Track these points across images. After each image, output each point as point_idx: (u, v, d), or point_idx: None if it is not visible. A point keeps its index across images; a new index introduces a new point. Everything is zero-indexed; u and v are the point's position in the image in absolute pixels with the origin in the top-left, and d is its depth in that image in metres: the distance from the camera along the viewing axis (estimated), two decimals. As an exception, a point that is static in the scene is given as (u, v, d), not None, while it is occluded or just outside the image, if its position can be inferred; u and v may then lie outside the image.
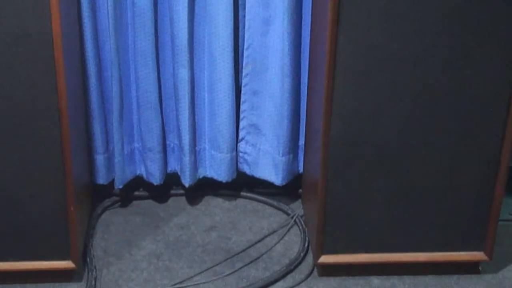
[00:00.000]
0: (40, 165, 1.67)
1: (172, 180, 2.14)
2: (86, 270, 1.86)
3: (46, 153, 1.66)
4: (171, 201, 2.16)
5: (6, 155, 1.65)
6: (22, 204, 1.71)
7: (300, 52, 1.99)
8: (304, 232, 2.01)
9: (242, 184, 2.18)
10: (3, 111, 1.61)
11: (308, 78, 1.96)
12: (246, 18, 1.95)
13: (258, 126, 2.08)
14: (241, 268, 1.90)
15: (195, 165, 2.09)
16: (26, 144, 1.64)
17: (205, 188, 2.17)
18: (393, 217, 1.81)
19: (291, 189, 2.16)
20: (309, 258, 1.93)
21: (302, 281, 1.87)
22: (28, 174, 1.68)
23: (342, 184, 1.77)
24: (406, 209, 1.80)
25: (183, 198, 2.17)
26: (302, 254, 1.94)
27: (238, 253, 1.95)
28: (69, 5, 1.72)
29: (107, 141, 2.04)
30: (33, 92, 1.60)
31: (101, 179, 2.06)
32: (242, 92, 2.05)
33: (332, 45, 1.62)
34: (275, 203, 2.15)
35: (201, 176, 2.13)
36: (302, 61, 2.00)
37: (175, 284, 1.84)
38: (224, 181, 2.11)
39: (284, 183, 2.10)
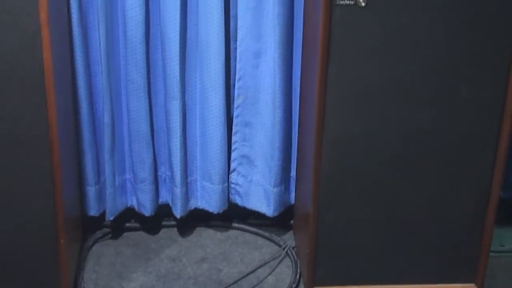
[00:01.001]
0: (31, 196, 1.67)
1: (163, 211, 2.13)
2: (76, 302, 1.85)
3: (37, 184, 1.66)
4: (163, 232, 2.16)
5: (-2, 187, 1.65)
6: (12, 236, 1.70)
7: (291, 84, 2.00)
8: (296, 263, 2.01)
9: (234, 215, 2.18)
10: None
11: (299, 109, 1.97)
12: (238, 50, 1.96)
13: (249, 157, 2.09)
14: (232, 300, 1.90)
15: (186, 196, 2.09)
16: (17, 174, 1.64)
17: (196, 219, 2.16)
18: (385, 248, 1.81)
19: (282, 220, 2.16)
20: (301, 290, 1.93)
21: (294, 313, 1.86)
22: (18, 205, 1.67)
23: (333, 216, 1.77)
24: (397, 240, 1.80)
25: (175, 229, 2.16)
26: (293, 286, 1.93)
27: (230, 285, 1.94)
28: (61, 37, 1.73)
29: (99, 173, 2.04)
30: (24, 123, 1.60)
31: (92, 211, 2.06)
32: (234, 123, 2.05)
33: (323, 77, 1.63)
34: (266, 234, 2.14)
35: (192, 207, 2.12)
36: (293, 93, 2.01)
37: (166, 317, 1.83)
38: (215, 212, 2.10)
39: (275, 214, 2.10)
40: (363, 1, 1.57)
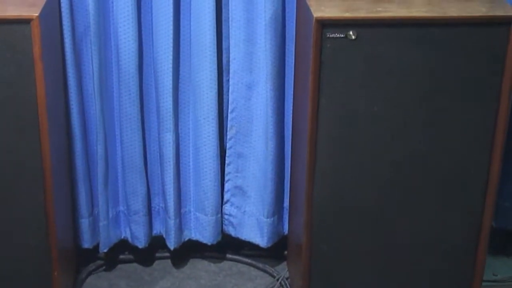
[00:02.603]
0: (24, 228, 1.67)
1: (157, 243, 2.13)
2: (69, 336, 1.84)
3: (30, 217, 1.66)
4: (156, 264, 2.16)
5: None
6: (6, 268, 1.70)
7: (283, 115, 2.02)
8: (290, 294, 2.01)
9: (228, 246, 2.18)
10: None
11: (292, 140, 1.99)
12: (230, 82, 1.98)
13: (243, 188, 2.10)
14: (226, 332, 1.89)
15: (180, 228, 2.09)
16: (9, 207, 1.65)
17: (190, 250, 2.16)
18: (378, 278, 1.81)
19: (276, 251, 2.16)
20: (295, 321, 1.92)
21: None
22: (11, 237, 1.67)
23: (327, 246, 1.78)
24: (391, 270, 1.80)
25: (169, 261, 2.16)
26: (287, 317, 1.93)
27: (223, 317, 1.94)
28: (55, 70, 1.75)
29: (92, 205, 2.05)
30: (17, 156, 1.62)
31: (86, 243, 2.06)
32: (227, 154, 2.07)
33: (314, 111, 1.65)
34: (260, 265, 2.14)
35: (186, 239, 2.12)
36: (285, 124, 2.03)
37: None
38: (209, 243, 2.11)
39: (269, 245, 2.10)
40: (353, 34, 1.59)
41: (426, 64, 1.62)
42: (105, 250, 2.06)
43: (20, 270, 1.71)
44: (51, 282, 1.72)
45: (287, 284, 2.05)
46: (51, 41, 1.69)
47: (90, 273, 2.09)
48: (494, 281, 2.07)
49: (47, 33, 1.61)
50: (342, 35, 1.60)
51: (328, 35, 1.59)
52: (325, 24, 1.58)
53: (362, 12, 1.60)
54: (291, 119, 1.99)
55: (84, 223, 2.03)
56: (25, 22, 1.51)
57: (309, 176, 1.71)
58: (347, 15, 1.59)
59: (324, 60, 1.61)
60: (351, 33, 1.59)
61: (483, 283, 1.83)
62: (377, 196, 1.73)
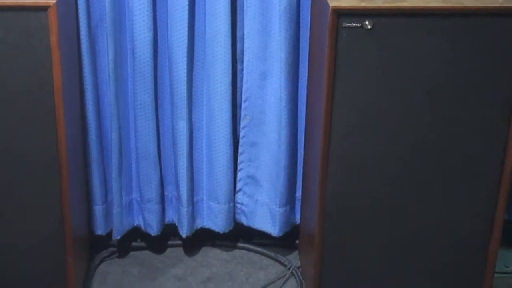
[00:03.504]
0: (39, 216, 1.68)
1: (169, 231, 2.14)
2: (83, 321, 1.86)
3: (45, 204, 1.68)
4: (169, 252, 2.17)
5: (6, 205, 1.67)
6: (20, 255, 1.71)
7: (297, 105, 2.02)
8: (301, 284, 2.01)
9: (239, 235, 2.19)
10: (4, 162, 1.63)
11: (305, 130, 1.99)
12: (244, 72, 1.98)
13: (255, 177, 2.10)
14: (238, 320, 1.90)
15: (192, 216, 2.10)
16: (25, 193, 1.66)
17: (202, 238, 2.17)
18: (390, 269, 1.81)
19: (288, 240, 2.16)
20: (306, 310, 1.93)
21: (299, 333, 1.86)
22: (26, 224, 1.69)
23: (339, 236, 1.78)
24: (402, 261, 1.81)
25: (181, 249, 2.17)
26: (299, 306, 1.94)
27: (235, 305, 1.95)
28: (70, 59, 1.75)
29: (106, 192, 2.06)
30: (33, 142, 1.62)
31: (99, 230, 2.07)
32: (240, 144, 2.07)
33: (329, 98, 1.65)
34: (272, 254, 2.15)
35: (198, 227, 2.13)
36: (298, 113, 2.03)
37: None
38: (221, 232, 2.12)
39: (281, 234, 2.11)
40: (369, 24, 1.59)
41: (441, 54, 1.62)
42: (118, 237, 2.07)
43: (34, 256, 1.72)
44: (64, 268, 1.74)
45: (299, 273, 2.06)
46: (67, 29, 1.70)
47: (103, 260, 2.10)
48: (506, 272, 2.07)
49: (64, 20, 1.62)
50: (358, 25, 1.59)
51: (344, 25, 1.59)
52: (341, 14, 1.58)
53: (378, 1, 1.60)
54: (304, 109, 1.99)
55: (98, 210, 2.05)
56: (42, 9, 1.52)
57: (322, 165, 1.71)
58: (363, 4, 1.59)
59: (339, 49, 1.61)
60: (367, 22, 1.59)
61: (495, 275, 1.83)
62: (390, 187, 1.74)
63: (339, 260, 1.81)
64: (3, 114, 1.59)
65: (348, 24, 1.59)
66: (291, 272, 2.07)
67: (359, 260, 1.81)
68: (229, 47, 1.91)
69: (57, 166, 1.64)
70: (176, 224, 2.12)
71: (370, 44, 1.61)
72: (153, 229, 2.09)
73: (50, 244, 1.71)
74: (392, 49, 1.62)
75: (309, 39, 1.90)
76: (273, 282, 2.05)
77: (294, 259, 2.12)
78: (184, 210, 2.06)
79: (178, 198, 2.07)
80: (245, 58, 1.97)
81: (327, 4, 1.59)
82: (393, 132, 1.69)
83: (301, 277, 2.04)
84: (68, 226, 1.70)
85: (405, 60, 1.63)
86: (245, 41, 1.95)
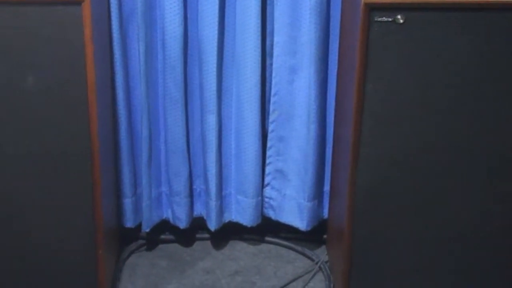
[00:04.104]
0: (71, 208, 1.70)
1: (197, 224, 2.16)
2: (113, 313, 1.87)
3: (78, 196, 1.69)
4: (196, 245, 2.18)
5: (39, 199, 1.68)
6: (53, 246, 1.73)
7: (325, 99, 2.02)
8: (329, 278, 2.02)
9: (267, 229, 2.19)
10: (37, 155, 1.65)
11: (334, 124, 1.99)
12: (273, 66, 1.99)
13: (283, 171, 2.10)
14: (266, 313, 1.91)
15: (221, 210, 2.11)
16: (59, 186, 1.68)
17: (230, 232, 2.18)
18: (422, 264, 1.80)
19: (315, 235, 2.17)
20: (334, 304, 1.94)
21: (328, 327, 1.87)
22: (58, 217, 1.70)
23: (369, 231, 1.78)
24: (435, 256, 1.79)
25: (208, 242, 2.18)
26: (327, 300, 1.95)
27: (263, 298, 1.96)
28: (103, 51, 1.77)
29: (135, 185, 2.07)
30: (66, 137, 1.64)
31: (129, 223, 2.09)
32: (268, 138, 2.07)
33: (360, 93, 1.64)
34: (299, 248, 2.15)
35: (226, 221, 2.14)
36: (327, 107, 2.03)
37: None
38: (249, 225, 2.12)
39: (309, 229, 2.11)
40: (402, 18, 1.58)
41: (474, 49, 1.61)
42: (147, 230, 2.08)
43: (66, 248, 1.73)
44: (96, 261, 1.75)
45: (326, 268, 2.06)
46: (100, 23, 1.71)
47: (131, 252, 2.12)
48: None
49: (97, 14, 1.63)
50: (390, 19, 1.59)
51: (375, 19, 1.58)
52: (373, 8, 1.57)
53: (411, -4, 1.60)
54: (333, 103, 1.99)
55: (127, 202, 2.06)
56: (77, 3, 1.52)
57: (352, 160, 1.71)
58: (396, -1, 1.58)
59: (370, 44, 1.60)
60: (399, 17, 1.58)
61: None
62: (422, 182, 1.73)
63: (368, 255, 1.80)
64: (37, 107, 1.61)
65: (380, 19, 1.58)
66: (319, 267, 2.07)
67: (389, 256, 1.80)
68: (259, 41, 1.92)
69: (90, 159, 1.65)
70: (205, 217, 2.13)
71: (402, 38, 1.60)
72: (182, 222, 2.10)
73: (82, 237, 1.72)
74: (424, 43, 1.61)
75: (339, 33, 1.89)
76: (301, 276, 2.05)
77: (321, 253, 2.13)
78: (213, 203, 2.07)
79: (207, 191, 2.08)
80: (275, 53, 1.97)
81: (359, -2, 1.58)
82: (425, 127, 1.68)
83: (328, 272, 2.04)
84: (100, 219, 1.71)
85: (437, 55, 1.62)
86: (274, 35, 1.95)
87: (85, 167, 1.66)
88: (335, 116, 1.97)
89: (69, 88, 1.60)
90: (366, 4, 1.57)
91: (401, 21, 1.59)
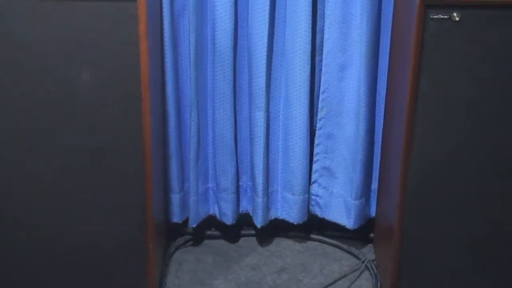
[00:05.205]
0: (123, 202, 1.71)
1: (243, 220, 2.16)
2: (161, 307, 1.88)
3: (129, 191, 1.70)
4: (242, 241, 2.18)
5: (91, 193, 1.70)
6: (104, 240, 1.75)
7: (375, 97, 2.00)
8: (376, 277, 2.00)
9: (313, 227, 2.19)
10: (89, 151, 1.66)
11: (384, 122, 1.97)
12: (323, 63, 1.98)
13: (331, 169, 2.09)
14: (313, 311, 1.90)
15: (267, 206, 2.11)
16: (112, 181, 1.69)
17: (275, 229, 2.18)
18: (472, 264, 1.78)
19: (361, 233, 2.15)
20: (382, 303, 1.92)
21: (375, 327, 1.86)
22: (111, 211, 1.72)
23: (418, 230, 1.76)
24: (485, 256, 1.77)
25: (254, 238, 2.18)
26: (374, 300, 1.93)
27: (310, 296, 1.95)
28: (155, 47, 1.78)
29: (183, 181, 2.08)
30: (119, 132, 1.65)
31: (176, 218, 2.10)
32: (316, 135, 2.07)
33: (413, 91, 1.63)
34: (345, 246, 2.14)
35: (272, 218, 2.14)
36: (377, 105, 2.01)
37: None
38: (295, 223, 2.12)
39: (355, 227, 2.10)
40: (457, 16, 1.56)
41: (532, 48, 1.59)
42: (194, 225, 2.09)
43: (116, 243, 1.75)
44: (146, 255, 1.76)
45: (373, 267, 2.05)
46: (153, 19, 1.72)
47: (178, 247, 2.13)
48: None
49: (150, 10, 1.64)
50: (446, 16, 1.57)
51: (431, 16, 1.57)
52: (428, 5, 1.56)
53: (467, -7, 1.57)
54: (383, 101, 1.97)
55: (175, 198, 2.07)
56: (132, 0, 1.54)
57: (404, 158, 1.69)
58: (452, -4, 1.56)
59: (425, 41, 1.59)
60: (455, 14, 1.56)
61: None
62: (474, 181, 1.70)
63: (417, 254, 1.79)
64: (91, 102, 1.62)
65: (435, 16, 1.57)
66: (366, 265, 2.06)
67: (438, 255, 1.78)
68: (309, 38, 1.91)
69: (142, 154, 1.66)
70: (251, 214, 2.13)
71: (457, 36, 1.58)
72: (228, 218, 2.10)
73: (132, 231, 1.74)
74: (480, 41, 1.59)
75: (391, 30, 1.87)
76: (347, 274, 2.04)
77: (367, 252, 2.11)
78: (259, 200, 2.07)
79: (253, 188, 2.08)
80: (325, 50, 1.96)
81: (414, -5, 1.57)
82: (479, 126, 1.66)
83: (375, 271, 2.03)
84: (150, 214, 1.72)
85: (493, 53, 1.60)
86: (325, 32, 1.94)
87: (137, 162, 1.67)
88: (385, 114, 1.95)
89: (123, 83, 1.61)
90: (422, 1, 1.55)
91: (457, 18, 1.57)
